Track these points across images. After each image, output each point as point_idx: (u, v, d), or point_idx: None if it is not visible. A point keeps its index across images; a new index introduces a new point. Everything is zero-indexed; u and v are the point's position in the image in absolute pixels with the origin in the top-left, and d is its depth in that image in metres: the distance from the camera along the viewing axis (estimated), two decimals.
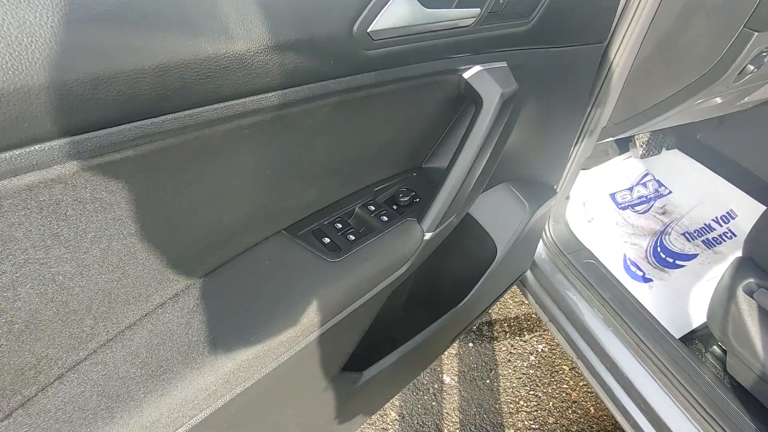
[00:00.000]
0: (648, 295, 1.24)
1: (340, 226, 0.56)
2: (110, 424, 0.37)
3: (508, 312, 1.60)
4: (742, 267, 0.92)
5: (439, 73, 0.53)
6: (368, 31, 0.42)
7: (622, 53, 0.89)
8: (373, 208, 0.59)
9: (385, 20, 0.42)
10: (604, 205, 1.49)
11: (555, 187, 1.00)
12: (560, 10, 0.59)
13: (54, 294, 0.35)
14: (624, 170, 1.59)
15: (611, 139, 1.17)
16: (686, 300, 1.23)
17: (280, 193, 0.50)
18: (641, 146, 1.57)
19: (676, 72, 0.87)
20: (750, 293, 0.88)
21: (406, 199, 0.60)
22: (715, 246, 1.38)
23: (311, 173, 0.51)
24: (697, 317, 1.18)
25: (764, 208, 0.99)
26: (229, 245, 0.49)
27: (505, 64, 0.57)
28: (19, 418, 0.36)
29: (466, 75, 0.55)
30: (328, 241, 0.54)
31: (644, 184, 1.56)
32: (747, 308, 0.89)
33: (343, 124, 0.49)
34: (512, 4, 0.53)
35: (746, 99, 1.07)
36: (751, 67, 0.82)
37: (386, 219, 0.58)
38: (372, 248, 0.55)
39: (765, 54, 0.82)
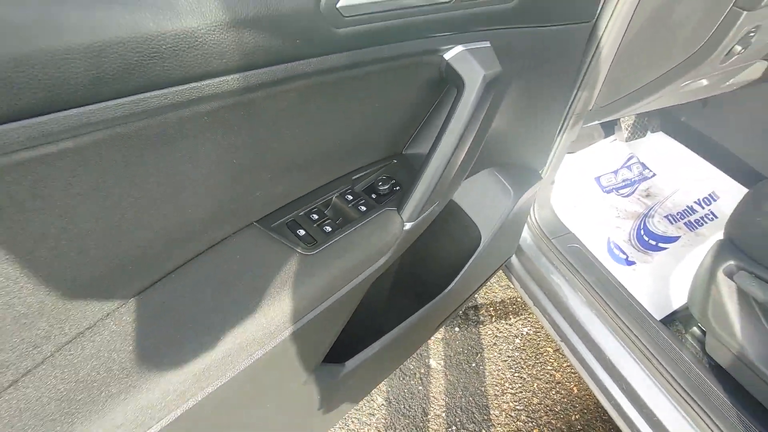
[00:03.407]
0: (631, 278, 1.25)
1: (317, 217, 0.54)
2: (69, 430, 0.35)
3: (494, 296, 1.61)
4: (722, 249, 0.92)
5: (418, 54, 0.50)
6: (337, 6, 0.39)
7: (610, 33, 0.86)
8: (351, 198, 0.57)
9: None
10: (590, 188, 1.49)
11: (540, 172, 0.98)
12: None
13: (1, 298, 0.32)
14: (609, 153, 1.58)
15: (597, 122, 1.16)
16: (667, 282, 1.24)
17: (249, 184, 0.47)
18: (626, 129, 1.56)
19: (664, 52, 0.86)
20: (730, 275, 0.89)
21: (386, 187, 0.58)
22: (697, 228, 1.40)
23: (282, 163, 0.48)
24: (678, 299, 1.20)
25: (746, 190, 0.99)
26: (196, 240, 0.46)
27: (489, 44, 0.55)
28: None
29: (447, 56, 0.52)
30: (304, 233, 0.52)
31: (629, 167, 1.56)
32: (727, 290, 0.90)
33: (314, 110, 0.46)
34: None
35: (731, 81, 1.07)
36: (739, 48, 0.80)
37: (365, 209, 0.56)
38: (349, 240, 0.53)
39: (753, 34, 0.80)
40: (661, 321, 1.17)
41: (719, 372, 0.93)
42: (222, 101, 0.37)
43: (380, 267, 0.57)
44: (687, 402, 0.88)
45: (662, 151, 1.58)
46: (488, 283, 1.65)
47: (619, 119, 1.58)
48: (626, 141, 1.59)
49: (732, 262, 0.90)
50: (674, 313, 1.16)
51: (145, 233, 0.40)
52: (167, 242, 0.43)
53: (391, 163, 0.62)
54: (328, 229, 0.53)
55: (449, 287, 0.80)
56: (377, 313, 0.77)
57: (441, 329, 1.49)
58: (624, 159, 1.58)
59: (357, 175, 0.59)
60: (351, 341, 0.68)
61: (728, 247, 0.92)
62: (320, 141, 0.51)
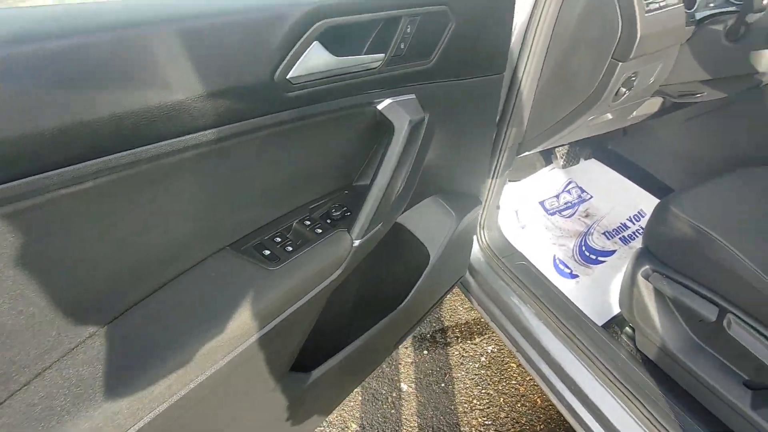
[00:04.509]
0: (575, 290, 1.38)
1: (280, 239, 0.64)
2: (75, 419, 0.43)
3: (459, 318, 1.70)
4: (640, 256, 1.07)
5: (356, 106, 0.63)
6: (287, 77, 0.52)
7: (526, 80, 1.04)
8: (309, 223, 0.68)
9: (301, 68, 0.52)
10: (535, 211, 1.65)
11: (480, 197, 1.12)
12: (456, 52, 0.72)
13: (23, 307, 0.41)
14: (550, 180, 1.76)
15: (529, 153, 1.33)
16: (607, 291, 1.38)
17: (222, 214, 0.57)
18: (562, 158, 1.76)
19: (568, 95, 1.04)
20: (647, 278, 1.03)
21: (338, 213, 0.70)
22: (630, 242, 1.56)
23: (250, 196, 0.59)
24: (616, 305, 1.33)
25: None
26: (179, 261, 0.56)
27: (414, 96, 0.69)
28: None
29: (380, 107, 0.65)
30: (269, 252, 0.62)
31: (569, 191, 1.74)
32: (646, 291, 1.04)
33: (274, 153, 0.58)
34: (413, 48, 0.64)
35: (633, 114, 1.26)
36: (624, 90, 0.99)
37: (320, 231, 0.67)
38: (307, 256, 0.63)
39: (634, 78, 0.99)
40: (603, 325, 1.29)
41: (649, 365, 1.05)
42: (202, 149, 0.49)
43: (336, 279, 0.68)
44: (625, 395, 0.99)
45: (595, 175, 1.78)
46: (453, 305, 1.75)
47: (554, 149, 1.77)
48: (563, 168, 1.78)
49: (648, 267, 1.04)
50: (614, 317, 1.29)
51: (137, 255, 0.49)
52: (155, 263, 0.52)
53: (343, 194, 0.74)
54: (290, 248, 0.63)
55: (404, 302, 0.90)
56: (341, 326, 0.85)
57: (410, 353, 1.56)
58: (564, 184, 1.76)
59: (314, 205, 0.71)
60: (316, 352, 0.76)
61: (645, 254, 1.07)
62: (281, 177, 0.63)
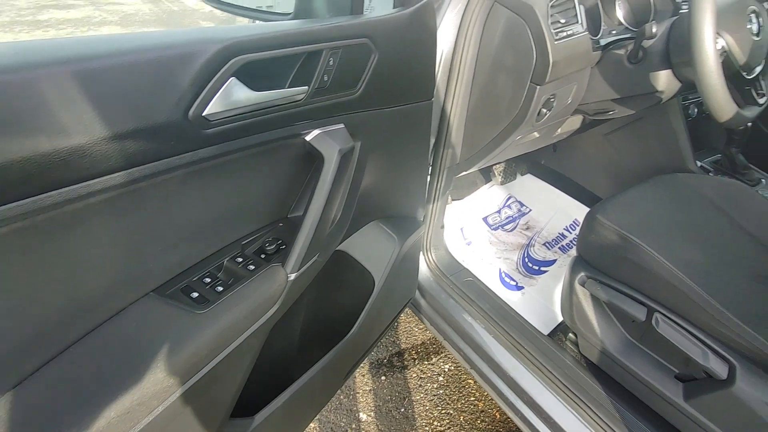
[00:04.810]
0: (521, 301, 1.43)
1: (209, 280, 0.61)
2: None
3: (415, 339, 1.70)
4: (575, 264, 1.13)
5: (284, 138, 0.63)
6: (203, 114, 0.50)
7: (456, 105, 1.10)
8: (241, 260, 0.65)
9: (218, 105, 0.51)
10: (479, 228, 1.70)
11: (422, 219, 1.14)
12: (382, 81, 0.74)
13: None
14: (491, 196, 1.84)
15: (467, 172, 1.38)
16: (551, 300, 1.44)
17: (143, 258, 0.54)
18: (500, 175, 1.84)
19: (496, 117, 1.10)
20: (582, 284, 1.09)
21: (272, 247, 0.68)
22: (568, 250, 1.65)
23: (175, 236, 0.56)
24: (560, 313, 1.39)
25: None
26: (94, 314, 0.51)
27: (342, 126, 0.69)
28: None
29: (308, 138, 0.65)
30: (197, 295, 0.59)
31: (509, 206, 1.82)
32: (583, 297, 1.09)
33: (196, 192, 0.56)
34: (337, 80, 0.66)
35: (558, 131, 1.36)
36: (545, 110, 1.06)
37: (253, 267, 0.64)
38: (239, 295, 0.60)
39: (552, 99, 1.07)
40: (549, 334, 1.34)
41: (593, 368, 1.10)
42: (110, 193, 0.46)
43: (273, 315, 0.65)
44: (573, 400, 1.02)
45: (532, 189, 1.87)
46: (409, 327, 1.75)
47: (492, 167, 1.85)
48: (502, 184, 1.86)
49: (583, 274, 1.10)
50: (558, 325, 1.34)
51: (42, 311, 0.45)
52: (65, 318, 0.48)
53: (277, 226, 0.72)
54: (220, 288, 0.60)
55: (351, 331, 0.88)
56: (285, 363, 0.82)
57: (368, 381, 1.53)
58: (504, 199, 1.84)
59: (246, 240, 0.68)
60: (260, 393, 0.72)
61: (579, 262, 1.13)
62: (206, 216, 0.60)
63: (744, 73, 1.02)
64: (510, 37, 0.99)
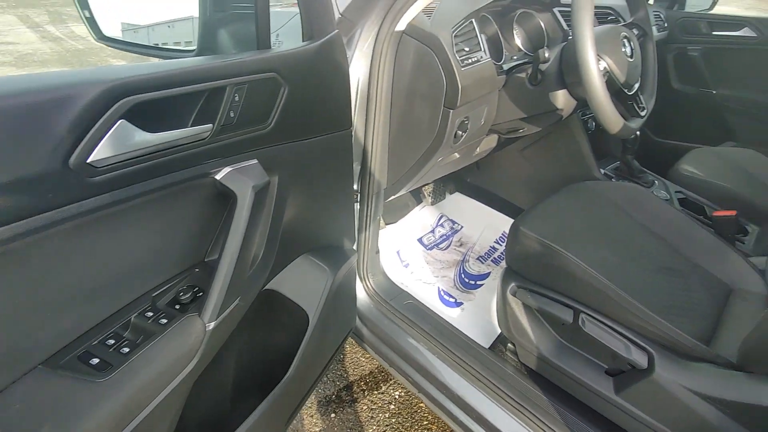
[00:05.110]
0: (461, 317, 1.46)
1: (113, 341, 0.55)
2: None
3: (363, 370, 1.66)
4: (505, 275, 1.17)
5: (191, 179, 0.59)
6: (87, 161, 0.46)
7: (377, 132, 1.12)
8: (151, 314, 0.59)
9: (105, 151, 0.46)
10: (415, 249, 1.73)
11: (353, 246, 1.13)
12: (295, 114, 0.73)
13: None
14: (424, 217, 1.88)
15: (396, 196, 1.40)
16: (489, 312, 1.48)
17: (27, 327, 0.47)
18: (429, 195, 1.90)
19: (416, 141, 1.13)
20: (514, 294, 1.13)
21: (188, 296, 0.63)
22: (500, 262, 1.72)
23: (64, 299, 0.50)
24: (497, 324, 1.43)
25: None
26: None
27: (256, 161, 0.67)
28: None
29: (218, 176, 0.62)
30: (98, 361, 0.52)
31: (442, 225, 1.87)
32: (516, 306, 1.14)
33: (88, 246, 0.50)
34: (245, 115, 0.64)
35: (477, 151, 1.43)
36: (461, 132, 1.12)
37: (165, 321, 0.59)
38: (150, 354, 0.54)
39: (467, 122, 1.13)
40: (490, 347, 1.37)
41: (532, 374, 1.13)
42: None
43: (192, 371, 0.59)
44: (517, 408, 1.04)
45: (462, 206, 1.95)
46: (355, 358, 1.70)
47: (422, 188, 1.91)
48: (432, 204, 1.92)
49: (513, 284, 1.14)
50: (498, 337, 1.38)
51: None
52: None
53: (193, 272, 0.67)
54: (126, 350, 0.54)
55: (289, 372, 0.83)
56: (218, 418, 0.75)
57: (318, 421, 1.45)
58: (436, 219, 1.89)
59: (157, 292, 0.62)
60: None
61: (508, 272, 1.18)
62: (107, 270, 0.54)
63: (625, 90, 1.16)
64: (420, 66, 1.04)
